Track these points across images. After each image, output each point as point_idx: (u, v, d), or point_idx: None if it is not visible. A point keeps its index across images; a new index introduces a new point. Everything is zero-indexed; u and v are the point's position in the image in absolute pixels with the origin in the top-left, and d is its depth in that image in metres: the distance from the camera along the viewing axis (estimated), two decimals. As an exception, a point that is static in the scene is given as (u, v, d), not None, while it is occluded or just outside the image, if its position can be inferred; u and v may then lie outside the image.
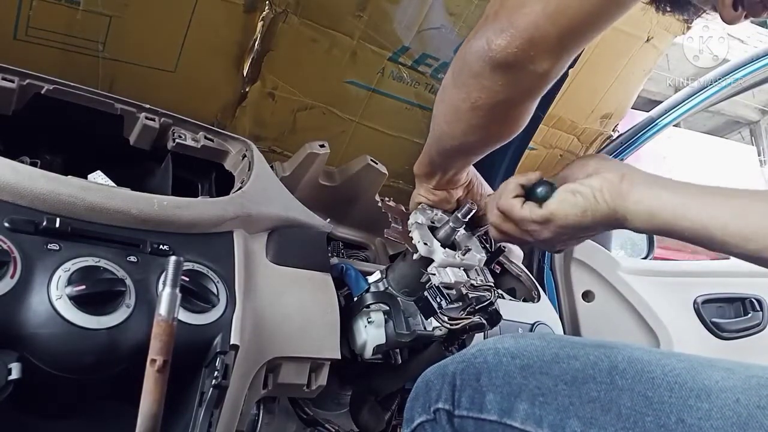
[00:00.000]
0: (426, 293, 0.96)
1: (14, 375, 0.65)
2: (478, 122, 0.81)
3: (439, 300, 0.95)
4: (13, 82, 0.93)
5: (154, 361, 0.57)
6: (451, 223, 1.00)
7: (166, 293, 0.58)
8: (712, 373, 0.58)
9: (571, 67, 1.51)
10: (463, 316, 1.00)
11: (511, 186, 0.82)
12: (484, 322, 1.00)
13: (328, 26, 1.33)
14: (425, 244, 0.97)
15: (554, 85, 1.54)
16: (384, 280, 1.06)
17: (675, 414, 0.55)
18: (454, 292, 1.00)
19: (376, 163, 1.24)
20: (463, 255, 0.99)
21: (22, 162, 0.88)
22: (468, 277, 1.00)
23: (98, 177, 1.01)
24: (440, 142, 0.91)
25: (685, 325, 1.80)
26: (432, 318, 1.01)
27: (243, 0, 1.23)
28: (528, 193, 0.82)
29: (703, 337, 1.82)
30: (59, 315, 0.69)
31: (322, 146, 1.17)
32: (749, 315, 1.91)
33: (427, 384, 0.79)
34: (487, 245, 1.14)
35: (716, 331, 1.84)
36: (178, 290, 0.59)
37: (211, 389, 0.76)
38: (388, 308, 1.02)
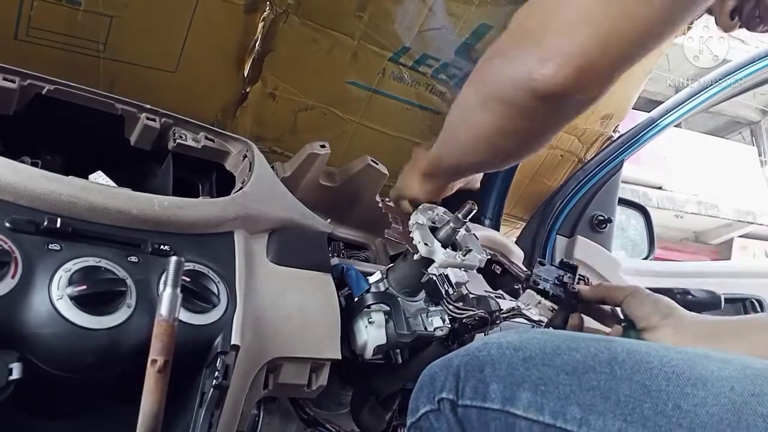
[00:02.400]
0: (434, 278, 0.96)
1: (15, 375, 0.65)
2: (509, 147, 0.79)
3: (446, 287, 0.96)
4: (14, 82, 0.93)
5: (155, 361, 0.57)
6: (451, 224, 1.00)
7: (167, 293, 0.58)
8: (708, 363, 0.59)
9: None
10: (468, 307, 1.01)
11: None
12: (488, 316, 1.00)
13: (328, 27, 1.33)
14: (426, 244, 0.97)
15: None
16: (384, 280, 1.06)
17: (672, 401, 0.57)
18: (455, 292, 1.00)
19: (377, 164, 1.24)
20: (464, 255, 0.99)
21: (23, 162, 0.88)
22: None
23: (99, 177, 1.01)
24: (461, 157, 0.89)
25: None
26: (434, 317, 1.01)
27: (244, 0, 1.23)
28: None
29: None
30: (60, 315, 0.69)
31: (322, 147, 1.17)
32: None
33: (432, 376, 0.80)
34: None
35: (717, 331, 1.84)
36: (179, 290, 0.59)
37: (212, 389, 0.76)
38: (388, 308, 1.02)
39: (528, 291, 1.10)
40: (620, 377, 0.61)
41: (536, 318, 1.08)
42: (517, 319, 1.07)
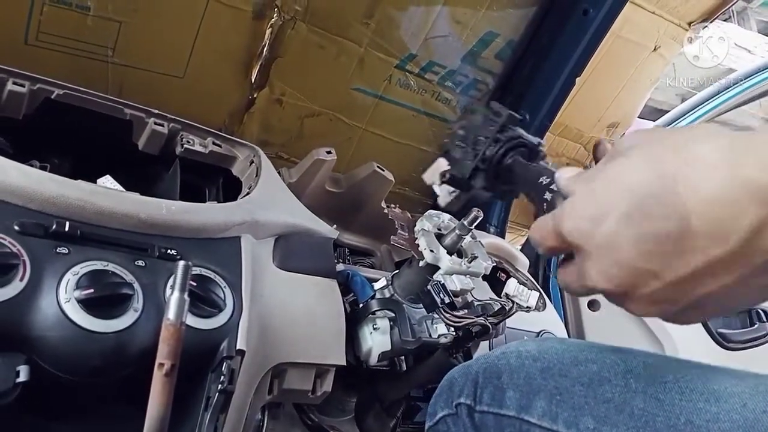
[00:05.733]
0: (429, 287, 0.96)
1: (22, 377, 0.65)
2: None
3: (442, 296, 0.95)
4: (23, 86, 0.94)
5: (161, 365, 0.57)
6: (457, 231, 1.00)
7: (174, 298, 0.58)
8: (722, 379, 0.59)
9: (578, 76, 1.53)
10: (466, 315, 1.00)
11: None
12: (489, 325, 1.00)
13: (335, 33, 1.33)
14: (431, 251, 0.97)
15: (562, 94, 1.55)
16: (390, 286, 1.06)
17: (684, 416, 0.57)
18: (460, 299, 1.00)
19: (383, 170, 1.24)
20: (470, 262, 0.99)
21: (32, 166, 0.88)
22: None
23: (107, 181, 1.01)
24: None
25: (691, 336, 1.80)
26: (439, 324, 1.01)
27: (252, 7, 1.24)
28: None
29: (710, 348, 1.81)
30: (67, 318, 0.69)
31: (328, 153, 1.18)
32: (755, 326, 1.90)
33: (451, 381, 0.81)
34: None
35: (722, 341, 1.83)
36: (186, 295, 0.59)
37: (217, 394, 0.76)
38: (393, 315, 1.02)
39: (511, 281, 1.08)
40: (635, 390, 0.62)
41: (533, 305, 1.07)
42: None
